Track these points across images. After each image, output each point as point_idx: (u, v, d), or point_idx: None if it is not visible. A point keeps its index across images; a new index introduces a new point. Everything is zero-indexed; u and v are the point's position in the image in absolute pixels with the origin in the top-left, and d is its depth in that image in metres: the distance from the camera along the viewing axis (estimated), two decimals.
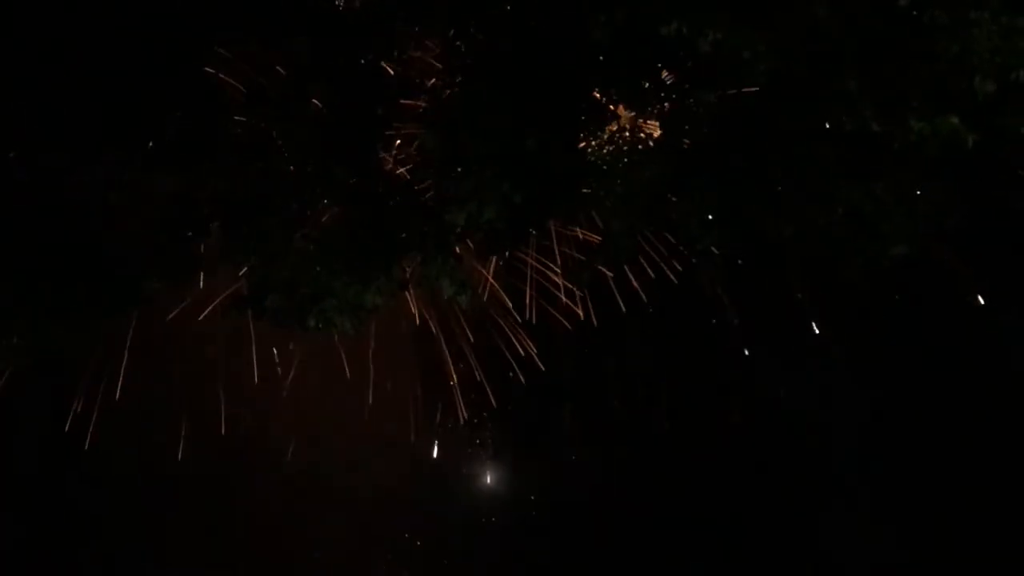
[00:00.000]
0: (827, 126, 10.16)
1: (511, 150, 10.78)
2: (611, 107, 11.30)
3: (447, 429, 21.65)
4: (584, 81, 11.05)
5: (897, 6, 9.57)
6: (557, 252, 18.84)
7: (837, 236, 10.68)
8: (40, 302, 10.87)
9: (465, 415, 21.11)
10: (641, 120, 11.52)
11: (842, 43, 9.83)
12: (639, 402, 21.02)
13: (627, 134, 11.42)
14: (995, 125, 9.65)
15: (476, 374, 20.57)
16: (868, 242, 10.57)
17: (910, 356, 18.48)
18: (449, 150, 11.12)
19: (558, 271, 18.95)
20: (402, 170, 13.08)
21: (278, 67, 11.58)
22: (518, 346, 20.24)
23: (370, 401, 20.22)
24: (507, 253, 16.15)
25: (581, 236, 17.72)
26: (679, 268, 18.46)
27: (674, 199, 11.14)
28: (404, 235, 11.21)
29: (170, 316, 17.57)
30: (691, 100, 10.81)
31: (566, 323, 19.56)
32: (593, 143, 11.37)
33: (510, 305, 19.61)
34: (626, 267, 17.62)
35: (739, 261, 16.53)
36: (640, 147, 11.40)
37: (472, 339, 20.14)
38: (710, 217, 10.80)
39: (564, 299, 19.25)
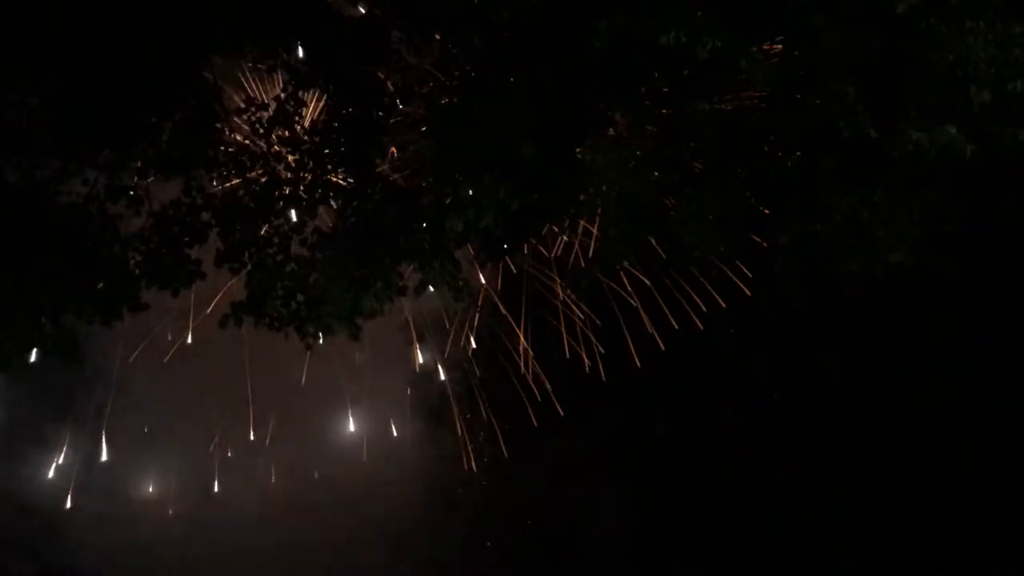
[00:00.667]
0: (824, 133, 10.18)
1: (508, 157, 10.78)
2: (608, 114, 11.33)
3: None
4: (581, 88, 11.06)
5: (894, 15, 9.59)
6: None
7: (834, 243, 10.69)
8: (35, 307, 10.84)
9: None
10: (638, 127, 11.54)
11: (839, 51, 9.86)
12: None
13: (624, 141, 11.43)
14: (992, 134, 9.68)
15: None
16: (865, 249, 10.59)
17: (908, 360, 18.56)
18: (446, 157, 11.13)
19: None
20: (397, 176, 13.08)
21: (275, 74, 11.59)
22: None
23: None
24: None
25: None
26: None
27: (671, 206, 11.15)
28: (402, 241, 11.19)
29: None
30: (688, 108, 10.82)
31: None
32: (590, 151, 11.37)
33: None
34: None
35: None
36: (637, 154, 11.41)
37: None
38: (707, 224, 10.82)
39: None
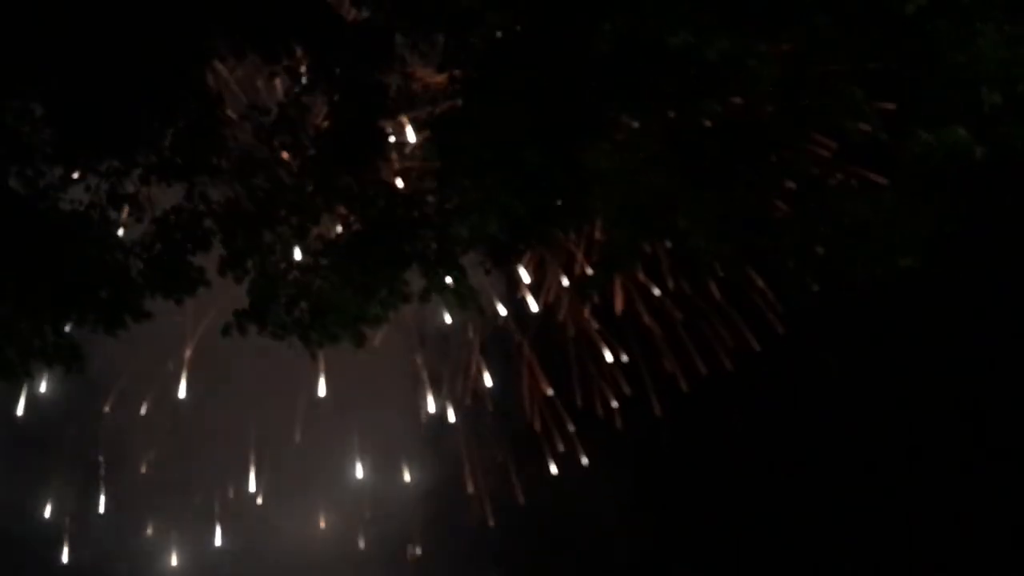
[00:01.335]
0: (834, 136, 10.15)
1: (513, 161, 10.70)
2: (612, 115, 11.24)
3: None
4: (587, 91, 10.97)
5: (902, 16, 9.54)
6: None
7: (844, 246, 10.64)
8: (37, 316, 10.75)
9: None
10: (644, 130, 11.46)
11: (848, 53, 9.81)
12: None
13: (630, 144, 11.35)
14: (1002, 136, 9.64)
15: None
16: (874, 252, 10.53)
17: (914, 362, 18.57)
18: (451, 161, 11.04)
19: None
20: (400, 181, 13.00)
21: (278, 79, 11.49)
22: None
23: None
24: None
25: None
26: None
27: (678, 210, 11.07)
28: (407, 247, 11.11)
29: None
30: (696, 109, 10.75)
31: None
32: (596, 154, 11.29)
33: None
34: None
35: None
36: (643, 156, 11.33)
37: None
38: (716, 227, 10.75)
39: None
